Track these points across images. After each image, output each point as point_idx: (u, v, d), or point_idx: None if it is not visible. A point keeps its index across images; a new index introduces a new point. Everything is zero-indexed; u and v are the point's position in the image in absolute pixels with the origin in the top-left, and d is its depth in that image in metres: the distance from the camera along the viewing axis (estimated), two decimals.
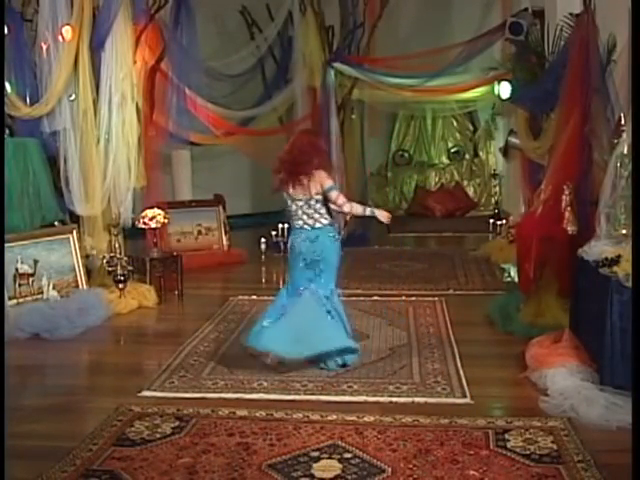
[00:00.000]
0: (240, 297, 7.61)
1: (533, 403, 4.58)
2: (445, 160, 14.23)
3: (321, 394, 4.86)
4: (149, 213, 7.59)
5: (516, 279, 7.11)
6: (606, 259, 4.71)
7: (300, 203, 5.26)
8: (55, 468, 3.77)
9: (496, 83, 8.64)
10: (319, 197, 5.24)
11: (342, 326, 5.34)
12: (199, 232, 9.58)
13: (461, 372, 5.20)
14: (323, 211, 5.29)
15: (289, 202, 5.32)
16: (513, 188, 10.28)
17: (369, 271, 8.85)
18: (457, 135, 14.25)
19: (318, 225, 5.28)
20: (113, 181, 7.33)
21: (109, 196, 7.34)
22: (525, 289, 6.32)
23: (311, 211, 5.26)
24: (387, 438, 4.12)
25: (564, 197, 5.99)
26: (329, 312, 5.28)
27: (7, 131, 6.95)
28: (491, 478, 3.67)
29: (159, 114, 8.04)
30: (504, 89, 8.16)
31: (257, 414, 4.48)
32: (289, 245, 5.45)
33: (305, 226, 5.29)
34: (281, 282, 8.71)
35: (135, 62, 7.49)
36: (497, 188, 13.04)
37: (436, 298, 7.40)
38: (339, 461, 3.85)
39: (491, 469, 3.75)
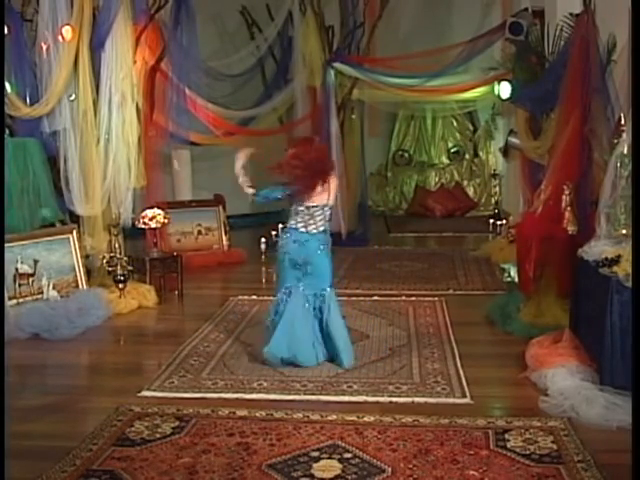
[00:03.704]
0: (240, 297, 7.61)
1: (533, 403, 4.59)
2: (445, 160, 14.23)
3: (321, 394, 4.86)
4: (149, 213, 7.59)
5: (516, 279, 7.11)
6: (606, 259, 4.71)
7: (313, 210, 5.25)
8: (55, 468, 3.78)
9: (496, 83, 8.63)
10: (330, 205, 5.30)
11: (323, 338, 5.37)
12: (199, 232, 9.58)
13: (461, 372, 5.20)
14: (324, 219, 5.29)
15: (300, 206, 5.25)
16: (513, 188, 10.27)
17: (369, 271, 8.85)
18: (457, 135, 14.25)
19: (313, 231, 5.27)
20: (113, 181, 7.32)
21: (109, 196, 7.33)
22: (525, 289, 6.32)
23: (312, 218, 5.25)
24: (387, 438, 4.12)
25: (564, 197, 6.00)
26: (317, 315, 5.32)
27: (7, 131, 6.94)
28: (491, 478, 3.67)
29: (159, 114, 8.03)
30: (504, 89, 8.14)
31: (257, 414, 4.48)
32: (279, 243, 5.48)
33: (300, 228, 5.27)
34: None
35: (135, 62, 7.48)
36: (497, 188, 13.03)
37: (436, 298, 7.40)
38: (339, 461, 3.85)
39: (491, 469, 3.75)
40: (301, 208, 5.26)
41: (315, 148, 5.37)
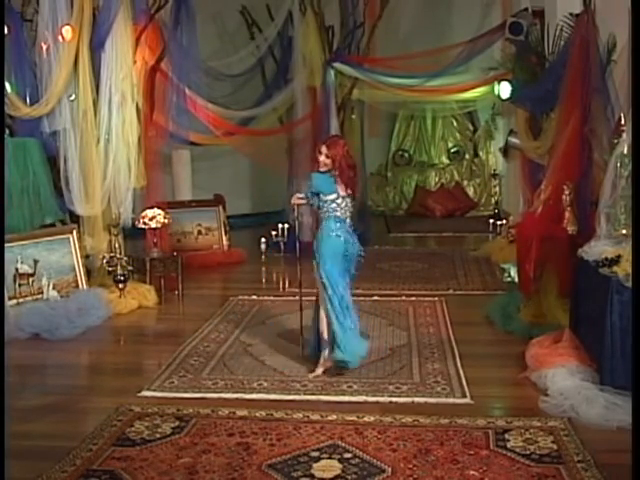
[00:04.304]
0: (240, 297, 7.61)
1: (533, 403, 4.59)
2: (445, 160, 14.22)
3: (321, 394, 4.86)
4: (149, 213, 7.59)
5: (516, 279, 7.10)
6: (606, 259, 4.71)
7: (348, 200, 5.25)
8: (55, 468, 3.78)
9: (496, 83, 8.62)
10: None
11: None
12: (199, 232, 9.58)
13: (461, 372, 5.20)
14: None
15: (335, 196, 5.19)
16: (513, 188, 10.27)
17: (369, 271, 8.81)
18: (457, 135, 14.24)
19: (349, 221, 5.29)
20: (113, 181, 7.33)
21: (109, 196, 7.34)
22: (525, 289, 6.31)
23: (349, 211, 5.29)
24: (387, 438, 4.12)
25: (564, 197, 5.99)
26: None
27: (7, 131, 6.94)
28: (491, 478, 3.67)
29: (159, 114, 8.03)
30: (504, 89, 8.14)
31: (257, 414, 4.48)
32: (331, 233, 5.17)
33: (346, 219, 5.26)
34: (281, 282, 8.72)
35: (135, 62, 7.49)
36: (497, 188, 13.04)
37: (436, 298, 7.40)
38: (339, 461, 3.85)
39: (491, 469, 3.75)
40: (339, 200, 5.20)
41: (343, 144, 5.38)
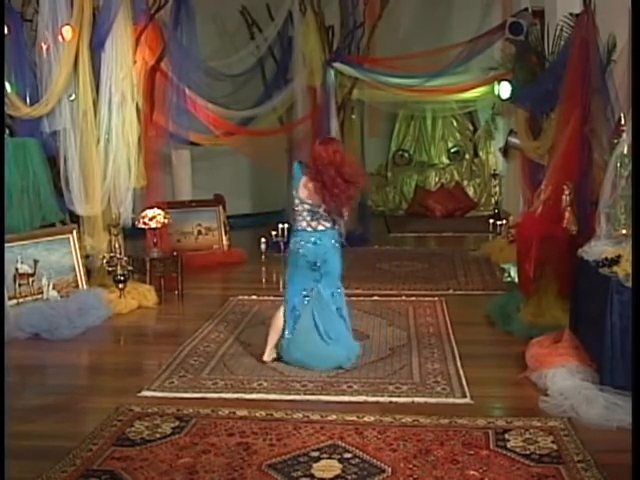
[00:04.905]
0: (240, 297, 7.61)
1: (533, 403, 4.59)
2: (445, 160, 14.23)
3: (321, 394, 4.86)
4: (149, 213, 7.59)
5: (516, 279, 7.11)
6: (606, 259, 4.71)
7: (307, 206, 5.23)
8: (55, 468, 3.78)
9: (496, 83, 8.64)
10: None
11: (347, 327, 5.44)
12: (199, 232, 9.58)
13: (461, 372, 5.20)
14: (325, 215, 5.27)
15: (297, 202, 5.26)
16: (513, 188, 10.27)
17: (369, 271, 8.85)
18: (457, 135, 14.25)
19: (320, 228, 5.26)
20: (113, 181, 7.32)
21: (109, 196, 7.34)
22: (525, 289, 6.32)
23: (317, 215, 5.24)
24: (387, 438, 4.12)
25: (564, 197, 5.99)
26: (338, 309, 5.35)
27: (7, 131, 6.94)
28: (491, 478, 3.67)
29: (159, 114, 8.03)
30: (504, 89, 8.15)
31: (257, 414, 4.48)
32: (290, 246, 5.39)
33: (308, 228, 5.26)
34: (281, 282, 8.72)
35: (135, 62, 7.49)
36: (497, 188, 13.04)
37: (436, 298, 7.41)
38: (339, 461, 3.85)
39: (491, 469, 3.75)
40: (306, 207, 5.22)
41: (332, 150, 5.16)
